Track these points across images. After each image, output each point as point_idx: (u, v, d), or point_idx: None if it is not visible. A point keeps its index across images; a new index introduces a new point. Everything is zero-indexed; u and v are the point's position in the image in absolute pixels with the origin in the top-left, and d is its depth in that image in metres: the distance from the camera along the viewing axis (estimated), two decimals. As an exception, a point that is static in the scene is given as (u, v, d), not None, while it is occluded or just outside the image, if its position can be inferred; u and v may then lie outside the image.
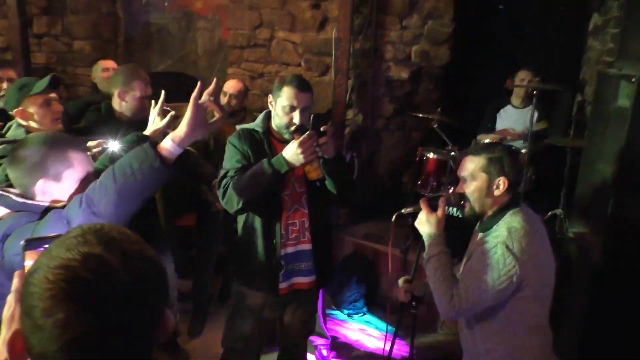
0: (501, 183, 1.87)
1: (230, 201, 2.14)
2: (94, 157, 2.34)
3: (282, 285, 2.30)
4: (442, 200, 1.92)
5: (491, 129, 4.08)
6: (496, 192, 1.88)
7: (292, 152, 2.07)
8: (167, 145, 1.53)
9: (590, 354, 2.70)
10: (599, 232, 2.73)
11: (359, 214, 4.31)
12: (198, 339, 3.40)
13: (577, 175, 3.06)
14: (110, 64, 3.85)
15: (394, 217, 1.99)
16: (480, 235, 1.95)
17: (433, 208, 1.94)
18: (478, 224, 2.02)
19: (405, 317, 2.25)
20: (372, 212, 4.29)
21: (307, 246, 2.32)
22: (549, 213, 3.70)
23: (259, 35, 4.42)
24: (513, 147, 3.69)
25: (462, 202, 1.95)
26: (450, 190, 2.07)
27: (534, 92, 3.51)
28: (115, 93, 2.71)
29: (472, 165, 1.90)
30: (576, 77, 4.53)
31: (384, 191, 4.46)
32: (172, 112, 2.17)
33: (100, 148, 2.38)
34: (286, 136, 2.21)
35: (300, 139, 2.07)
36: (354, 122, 4.29)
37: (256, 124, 2.31)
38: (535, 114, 3.66)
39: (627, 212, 2.56)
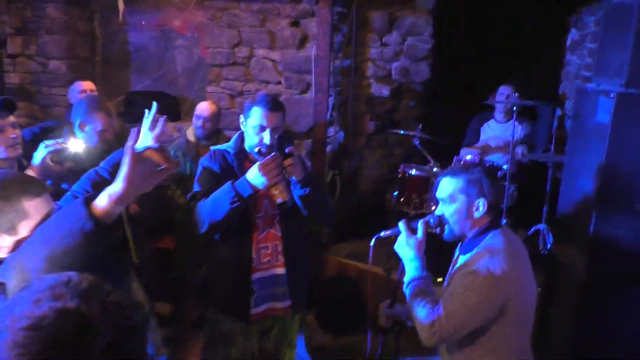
0: (480, 205, 1.83)
1: (196, 224, 2.08)
2: (52, 159, 2.23)
3: (255, 310, 2.23)
4: (422, 223, 1.87)
5: (475, 141, 4.09)
6: (476, 214, 1.83)
7: (255, 174, 2.00)
8: (103, 203, 1.22)
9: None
10: (582, 248, 2.71)
11: (341, 233, 4.26)
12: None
13: (559, 190, 3.05)
14: (88, 85, 3.74)
15: (372, 240, 1.93)
16: (461, 257, 1.91)
17: (413, 230, 1.88)
18: (459, 245, 1.97)
19: (389, 340, 2.19)
20: (355, 230, 4.24)
21: (281, 270, 2.25)
22: (532, 229, 3.68)
23: (238, 54, 4.37)
24: (494, 164, 3.71)
25: (442, 224, 1.90)
26: (433, 209, 2.01)
27: (514, 108, 3.51)
28: (77, 123, 2.62)
29: (450, 187, 1.86)
30: (556, 92, 4.57)
31: (367, 209, 4.42)
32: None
33: (59, 147, 2.27)
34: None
35: (263, 160, 2.01)
36: (335, 140, 4.25)
37: (229, 145, 2.26)
38: (520, 128, 3.68)
39: (609, 227, 2.55)
